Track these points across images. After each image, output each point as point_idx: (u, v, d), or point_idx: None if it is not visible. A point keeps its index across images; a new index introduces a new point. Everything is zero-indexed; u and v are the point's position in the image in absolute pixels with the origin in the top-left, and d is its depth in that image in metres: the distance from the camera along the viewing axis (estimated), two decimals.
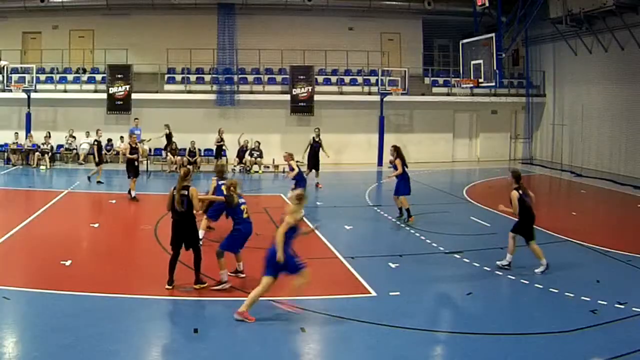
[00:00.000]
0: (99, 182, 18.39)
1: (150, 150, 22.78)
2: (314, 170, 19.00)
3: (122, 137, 23.46)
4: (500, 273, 9.83)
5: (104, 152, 23.33)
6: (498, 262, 10.11)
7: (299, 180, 14.14)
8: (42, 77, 23.90)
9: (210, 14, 25.09)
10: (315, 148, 19.17)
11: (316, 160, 19.07)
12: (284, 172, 22.07)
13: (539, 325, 7.61)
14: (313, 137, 19.38)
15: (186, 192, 8.68)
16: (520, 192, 9.94)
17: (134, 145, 16.26)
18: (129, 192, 15.83)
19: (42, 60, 24.54)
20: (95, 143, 18.74)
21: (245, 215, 9.10)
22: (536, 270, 9.83)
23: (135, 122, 21.27)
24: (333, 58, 25.96)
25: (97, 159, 18.63)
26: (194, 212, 8.82)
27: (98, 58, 25.07)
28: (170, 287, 8.67)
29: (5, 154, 22.84)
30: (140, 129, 20.66)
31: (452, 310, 8.38)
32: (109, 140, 23.62)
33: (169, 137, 21.88)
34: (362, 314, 7.93)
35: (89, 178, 18.51)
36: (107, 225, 13.07)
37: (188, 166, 19.82)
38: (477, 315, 8.19)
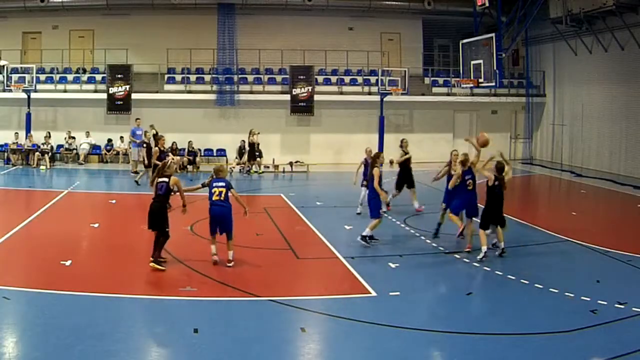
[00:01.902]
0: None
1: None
2: (404, 190, 14.98)
3: (122, 137, 23.47)
4: (500, 273, 9.82)
5: (106, 152, 23.42)
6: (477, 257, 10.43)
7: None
8: (42, 77, 23.89)
9: (210, 14, 25.08)
10: (405, 162, 15.03)
11: (408, 175, 14.92)
12: (283, 171, 22.17)
13: (539, 325, 7.61)
14: (402, 150, 15.31)
15: (166, 180, 9.48)
16: (496, 183, 10.53)
17: (162, 149, 15.32)
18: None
19: (42, 60, 24.54)
20: (145, 145, 18.68)
21: (215, 198, 9.49)
22: (478, 257, 10.34)
23: (137, 122, 21.24)
24: (333, 58, 25.96)
25: (146, 162, 18.43)
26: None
27: (98, 58, 25.07)
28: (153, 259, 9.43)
29: (5, 154, 22.83)
30: (142, 129, 20.66)
31: (452, 310, 8.37)
32: (109, 140, 23.64)
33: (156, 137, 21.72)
34: (362, 314, 7.93)
35: (137, 182, 18.14)
36: (107, 225, 13.06)
37: (173, 159, 19.79)
38: (477, 315, 8.20)
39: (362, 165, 14.11)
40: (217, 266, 9.65)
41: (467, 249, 10.85)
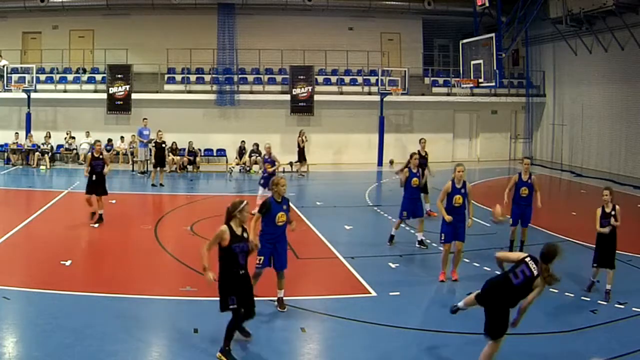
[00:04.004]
0: (161, 184, 18.28)
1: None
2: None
3: (122, 137, 23.48)
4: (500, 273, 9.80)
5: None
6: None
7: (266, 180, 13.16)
8: (42, 77, 23.89)
9: (210, 14, 25.09)
10: (423, 164, 13.91)
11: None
12: (283, 171, 22.17)
13: (539, 325, 7.61)
14: (418, 151, 13.98)
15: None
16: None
17: (97, 155, 13.13)
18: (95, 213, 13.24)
19: (42, 60, 24.54)
20: (154, 145, 18.78)
21: None
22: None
23: (144, 122, 21.17)
24: (333, 58, 25.96)
25: (153, 161, 18.66)
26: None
27: (98, 58, 25.07)
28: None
29: (5, 154, 22.83)
30: (149, 129, 20.67)
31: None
32: (109, 140, 23.63)
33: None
34: (362, 314, 7.93)
35: (153, 185, 18.17)
36: (107, 225, 13.06)
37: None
38: (477, 315, 8.17)
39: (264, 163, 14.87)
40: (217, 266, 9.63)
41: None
